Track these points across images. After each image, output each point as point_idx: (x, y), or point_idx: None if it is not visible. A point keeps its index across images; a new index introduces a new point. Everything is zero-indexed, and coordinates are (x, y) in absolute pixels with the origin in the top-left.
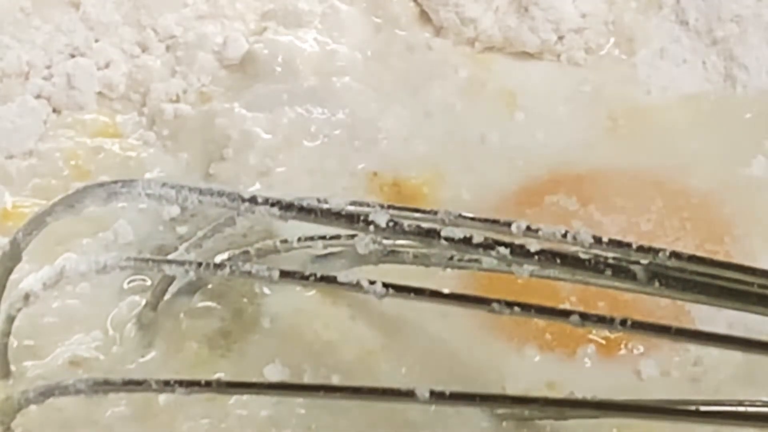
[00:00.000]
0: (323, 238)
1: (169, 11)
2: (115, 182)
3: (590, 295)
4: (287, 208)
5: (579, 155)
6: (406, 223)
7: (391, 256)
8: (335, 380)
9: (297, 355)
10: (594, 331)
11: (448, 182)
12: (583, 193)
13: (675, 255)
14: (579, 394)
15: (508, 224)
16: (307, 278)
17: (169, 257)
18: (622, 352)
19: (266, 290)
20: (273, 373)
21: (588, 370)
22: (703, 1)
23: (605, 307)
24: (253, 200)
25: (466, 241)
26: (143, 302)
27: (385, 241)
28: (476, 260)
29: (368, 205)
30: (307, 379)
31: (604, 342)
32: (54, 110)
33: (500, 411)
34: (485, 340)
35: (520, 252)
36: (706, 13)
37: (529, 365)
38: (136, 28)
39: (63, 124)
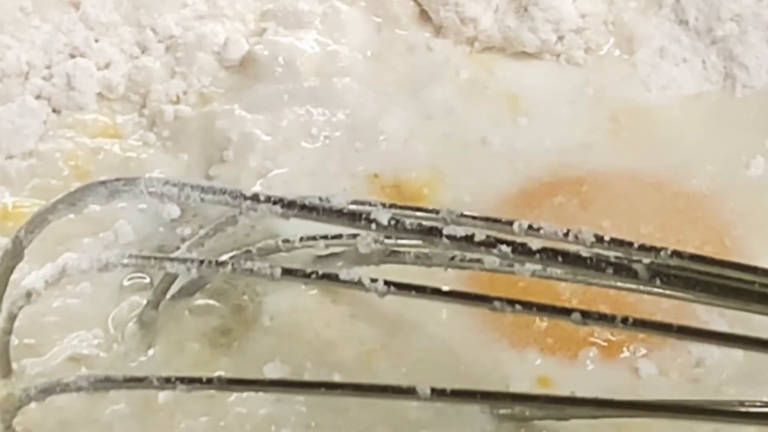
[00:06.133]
0: (325, 237)
1: (169, 11)
2: (117, 180)
3: (591, 297)
4: (289, 206)
5: (579, 157)
6: (407, 221)
7: (393, 256)
8: (336, 379)
9: (297, 353)
10: (596, 334)
11: (448, 184)
12: (583, 196)
13: (676, 254)
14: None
15: (510, 223)
16: (309, 276)
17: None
18: (624, 354)
19: (267, 288)
20: (273, 372)
21: (590, 372)
22: (703, 1)
23: (607, 309)
24: (255, 198)
25: (468, 239)
26: (144, 301)
27: (386, 241)
28: (478, 260)
29: (370, 204)
30: (307, 378)
31: (605, 344)
32: (54, 110)
33: (501, 411)
34: (486, 342)
35: (521, 250)
36: (706, 12)
37: (531, 368)
38: (136, 28)
39: (63, 124)
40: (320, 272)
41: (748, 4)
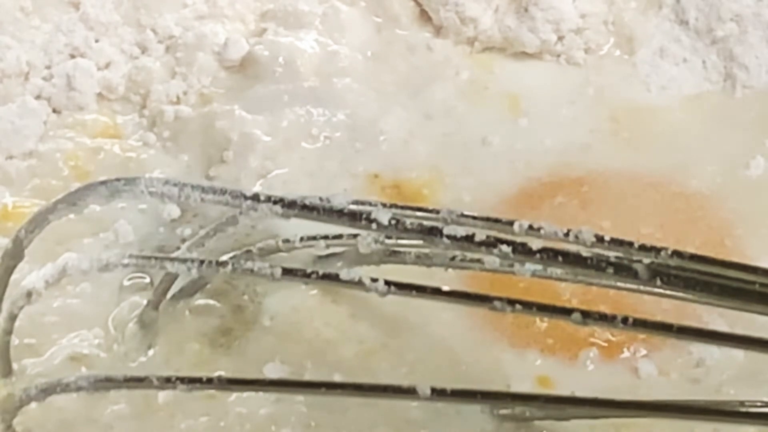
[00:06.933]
0: (325, 237)
1: (169, 11)
2: (118, 180)
3: (592, 298)
4: (290, 205)
5: (579, 157)
6: (408, 221)
7: (393, 256)
8: (336, 379)
9: (297, 353)
10: (596, 334)
11: (448, 184)
12: (583, 196)
13: (676, 254)
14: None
15: (510, 223)
16: (309, 276)
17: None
18: (624, 354)
19: (267, 288)
20: (273, 372)
21: (590, 372)
22: (703, 1)
23: (607, 309)
24: (255, 198)
25: (468, 239)
26: (144, 301)
27: (387, 241)
28: (478, 260)
29: (370, 204)
30: (307, 378)
31: (605, 344)
32: (54, 111)
33: (501, 411)
34: (486, 342)
35: (522, 250)
36: (706, 12)
37: (531, 368)
38: (136, 28)
39: (63, 124)
40: (320, 272)
41: (748, 4)
